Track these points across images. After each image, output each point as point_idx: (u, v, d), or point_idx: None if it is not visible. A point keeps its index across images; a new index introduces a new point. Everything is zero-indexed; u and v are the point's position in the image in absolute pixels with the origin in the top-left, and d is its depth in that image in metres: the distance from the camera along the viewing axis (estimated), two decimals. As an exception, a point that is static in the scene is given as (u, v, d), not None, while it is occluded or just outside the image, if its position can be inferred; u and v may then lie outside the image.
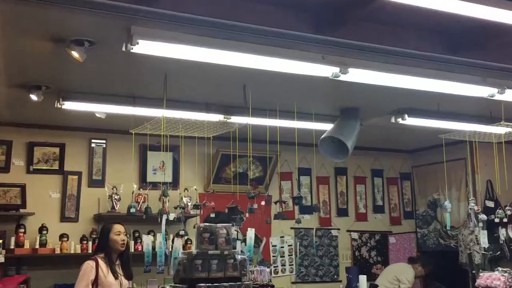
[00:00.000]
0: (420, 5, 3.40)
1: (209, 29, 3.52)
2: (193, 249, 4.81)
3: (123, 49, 3.59)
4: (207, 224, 4.65)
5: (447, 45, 4.31)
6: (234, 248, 4.66)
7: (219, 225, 4.50)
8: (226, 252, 4.39)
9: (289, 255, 7.69)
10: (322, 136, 5.73)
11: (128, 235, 4.66)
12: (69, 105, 5.15)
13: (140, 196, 6.48)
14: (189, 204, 6.52)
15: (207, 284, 4.21)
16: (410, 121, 5.76)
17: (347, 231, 8.14)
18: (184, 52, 3.73)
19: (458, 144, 6.84)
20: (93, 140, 6.70)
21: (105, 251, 4.35)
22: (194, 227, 4.97)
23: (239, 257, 4.48)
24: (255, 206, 5.52)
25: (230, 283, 4.29)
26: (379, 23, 4.06)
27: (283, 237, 7.63)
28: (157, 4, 3.38)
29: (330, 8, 3.83)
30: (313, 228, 7.78)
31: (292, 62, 3.98)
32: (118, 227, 4.43)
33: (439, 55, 4.17)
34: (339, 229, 8.07)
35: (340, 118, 5.85)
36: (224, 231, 4.46)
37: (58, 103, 5.10)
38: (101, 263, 4.28)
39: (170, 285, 4.53)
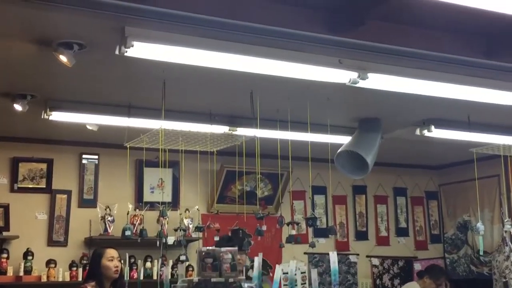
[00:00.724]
0: (452, 1, 3.34)
1: (213, 29, 3.49)
2: (194, 276, 4.75)
3: (117, 52, 3.58)
4: (210, 248, 4.59)
5: (480, 48, 4.26)
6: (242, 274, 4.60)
7: (223, 249, 4.44)
8: (231, 280, 4.33)
9: (302, 284, 7.59)
10: (339, 150, 5.68)
11: (122, 261, 4.62)
12: (57, 116, 5.15)
13: (136, 218, 6.48)
14: (190, 226, 6.47)
15: (210, 316, 4.15)
16: (437, 133, 5.74)
17: (367, 256, 8.08)
18: (184, 55, 3.70)
19: (491, 159, 6.77)
20: (84, 156, 6.71)
21: (96, 279, 4.29)
22: (196, 252, 4.91)
23: (246, 285, 4.41)
24: (264, 228, 5.45)
25: (236, 315, 4.23)
26: (403, 22, 4.00)
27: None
28: (154, 2, 3.35)
29: (347, 4, 3.78)
30: (328, 254, 7.68)
31: (305, 66, 3.95)
32: (111, 252, 4.38)
33: (472, 59, 4.12)
34: (358, 255, 8.01)
35: (358, 130, 5.81)
36: (229, 255, 4.39)
37: (45, 114, 5.09)
38: (92, 293, 4.22)
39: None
